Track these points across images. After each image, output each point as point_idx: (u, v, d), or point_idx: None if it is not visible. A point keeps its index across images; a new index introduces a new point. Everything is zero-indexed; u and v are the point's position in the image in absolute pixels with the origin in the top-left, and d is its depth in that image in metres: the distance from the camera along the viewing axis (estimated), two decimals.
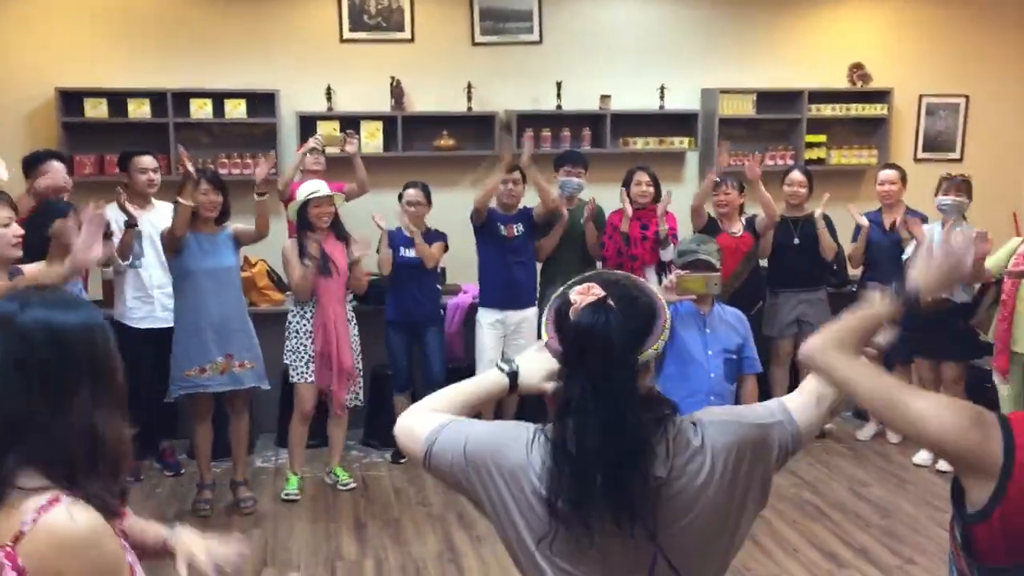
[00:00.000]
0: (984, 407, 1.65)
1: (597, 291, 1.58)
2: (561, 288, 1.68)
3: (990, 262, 5.07)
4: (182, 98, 6.02)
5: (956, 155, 6.96)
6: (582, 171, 5.62)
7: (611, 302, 1.56)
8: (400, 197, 5.48)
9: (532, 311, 5.51)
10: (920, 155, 6.94)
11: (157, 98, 6.00)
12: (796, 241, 5.81)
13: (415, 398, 5.55)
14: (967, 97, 6.94)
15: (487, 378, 1.77)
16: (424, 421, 1.71)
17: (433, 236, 5.46)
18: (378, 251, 5.37)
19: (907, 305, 1.71)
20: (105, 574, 1.39)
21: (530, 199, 5.60)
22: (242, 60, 6.17)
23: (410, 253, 5.35)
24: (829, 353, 1.70)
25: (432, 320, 5.54)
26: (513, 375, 1.72)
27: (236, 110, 6.11)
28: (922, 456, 5.59)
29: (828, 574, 4.31)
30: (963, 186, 5.40)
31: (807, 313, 5.87)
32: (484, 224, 5.43)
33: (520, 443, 1.62)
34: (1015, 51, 6.91)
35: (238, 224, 4.89)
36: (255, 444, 5.69)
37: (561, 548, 1.57)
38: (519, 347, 5.52)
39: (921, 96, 6.91)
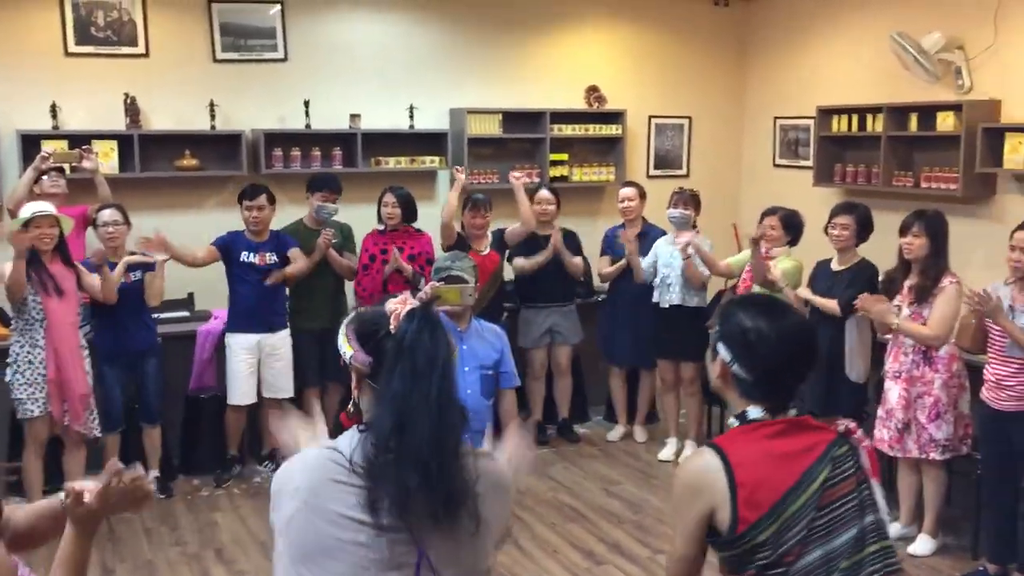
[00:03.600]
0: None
1: (413, 301, 1.77)
2: (353, 313, 1.86)
3: (732, 261, 5.57)
4: None
5: (683, 171, 7.54)
6: (337, 197, 5.61)
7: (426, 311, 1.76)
8: (94, 222, 5.15)
9: (285, 333, 5.46)
10: (652, 172, 7.46)
11: None
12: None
13: (128, 436, 5.26)
14: (690, 118, 7.54)
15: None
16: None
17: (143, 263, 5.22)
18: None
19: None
20: None
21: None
22: None
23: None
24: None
25: (151, 349, 5.24)
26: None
27: None
28: (666, 452, 6.00)
29: (587, 572, 4.52)
30: (691, 200, 5.86)
31: (559, 323, 6.15)
32: (228, 253, 5.33)
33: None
34: (727, 77, 7.60)
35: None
36: None
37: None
38: (277, 370, 5.43)
39: (651, 117, 7.43)
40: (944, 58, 5.74)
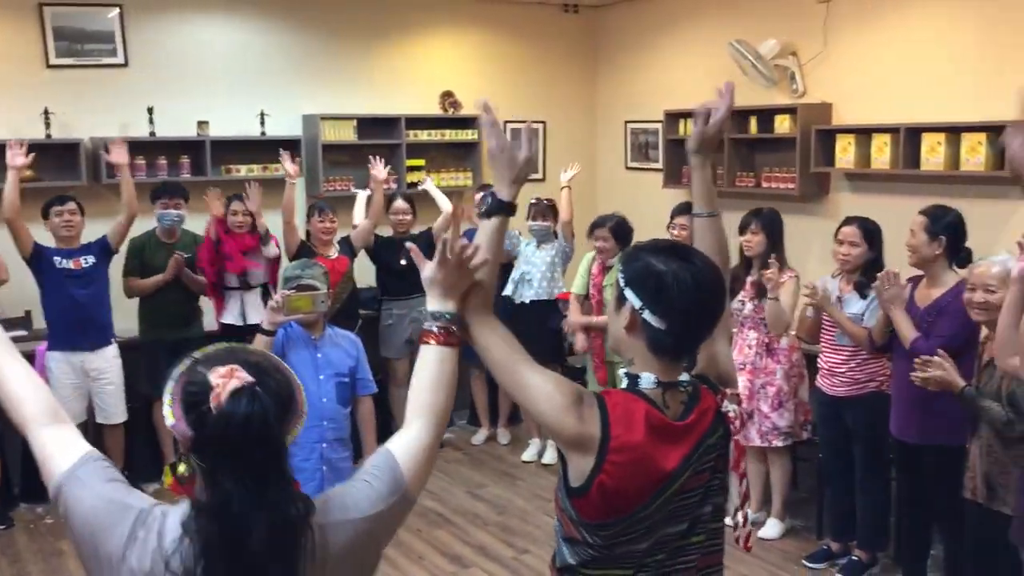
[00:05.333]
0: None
1: (242, 375, 1.47)
2: (187, 363, 1.53)
3: (576, 288, 5.65)
4: None
5: (540, 176, 7.64)
6: (181, 202, 5.45)
7: (259, 388, 1.46)
8: None
9: (111, 350, 5.25)
10: None
11: None
12: (404, 262, 6.07)
13: None
14: (544, 123, 7.66)
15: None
16: (66, 445, 1.58)
17: None
18: None
19: (499, 208, 1.85)
20: None
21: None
22: None
23: None
24: (477, 328, 1.82)
25: None
26: None
27: None
28: (529, 453, 6.07)
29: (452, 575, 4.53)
30: (548, 210, 5.96)
31: (420, 331, 6.16)
32: (39, 262, 5.05)
33: (122, 528, 1.47)
34: (579, 82, 7.76)
35: None
36: None
37: None
38: (108, 394, 5.22)
39: (506, 122, 7.50)
40: (780, 64, 6.03)
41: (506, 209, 1.85)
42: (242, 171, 6.35)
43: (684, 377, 1.84)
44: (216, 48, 6.42)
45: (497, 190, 1.87)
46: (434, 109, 7.15)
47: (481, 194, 6.20)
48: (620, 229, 5.37)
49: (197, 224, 5.68)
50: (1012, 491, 3.10)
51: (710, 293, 1.80)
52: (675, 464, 1.77)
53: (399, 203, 6.11)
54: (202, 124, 6.23)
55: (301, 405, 1.56)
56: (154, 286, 5.40)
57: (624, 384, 1.84)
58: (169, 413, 1.50)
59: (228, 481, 1.42)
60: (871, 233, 4.26)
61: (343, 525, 1.55)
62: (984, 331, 3.49)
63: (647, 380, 1.80)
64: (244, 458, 1.43)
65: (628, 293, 1.80)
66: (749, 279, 4.71)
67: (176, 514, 1.48)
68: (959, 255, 3.92)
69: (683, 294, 1.75)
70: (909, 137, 5.22)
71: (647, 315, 1.77)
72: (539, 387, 1.78)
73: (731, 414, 1.87)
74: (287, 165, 5.61)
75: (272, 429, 1.46)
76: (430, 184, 6.43)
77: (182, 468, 1.53)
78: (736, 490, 1.94)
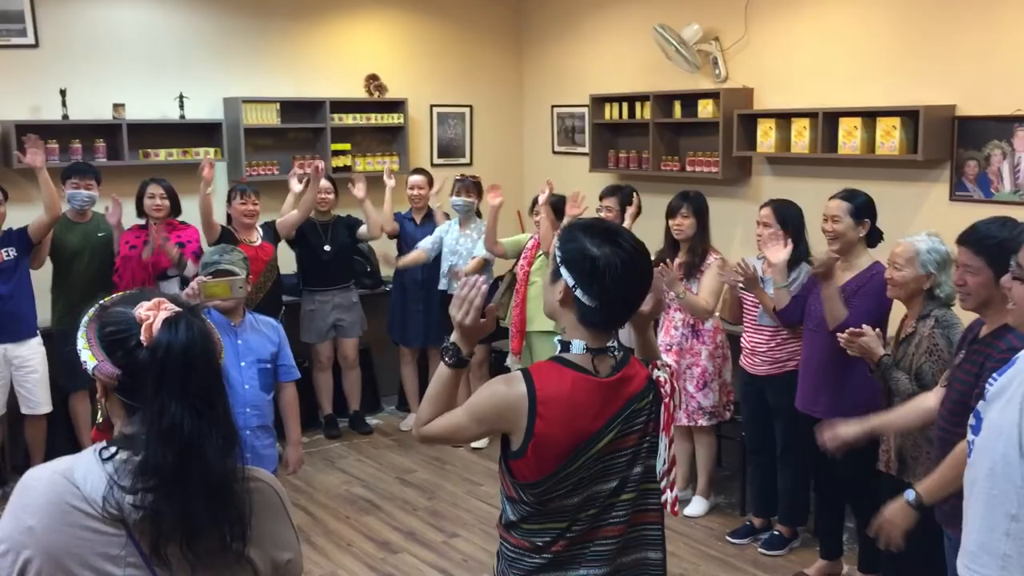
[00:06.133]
0: None
1: (170, 306, 1.50)
2: (94, 310, 1.55)
3: (505, 241, 5.69)
4: None
5: (466, 159, 7.63)
6: (92, 183, 5.30)
7: (190, 315, 1.51)
8: None
9: (35, 342, 5.10)
10: (436, 160, 7.49)
11: None
12: (328, 248, 6.01)
13: None
14: (471, 107, 7.64)
15: None
16: None
17: None
18: None
19: (459, 362, 2.05)
20: None
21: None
22: None
23: None
24: (426, 430, 2.07)
25: None
26: None
27: None
28: None
29: (382, 562, 4.51)
30: (472, 187, 5.97)
31: (342, 318, 6.11)
32: None
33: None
34: (505, 66, 7.74)
35: None
36: None
37: None
38: (32, 383, 5.06)
39: (432, 106, 7.46)
40: (703, 49, 6.10)
41: (466, 364, 2.07)
42: (160, 155, 6.19)
43: (613, 343, 2.03)
44: (132, 28, 6.23)
45: (461, 347, 2.05)
46: (359, 92, 7.06)
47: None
48: (560, 206, 5.38)
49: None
50: (922, 464, 3.20)
51: (638, 276, 2.00)
52: (602, 423, 1.96)
53: (322, 183, 6.04)
54: (118, 107, 6.05)
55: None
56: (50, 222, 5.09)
57: (557, 349, 2.04)
58: (89, 357, 1.50)
59: (174, 407, 1.43)
60: (784, 215, 4.34)
61: (263, 488, 1.59)
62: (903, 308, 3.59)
63: (578, 346, 2.00)
64: (188, 382, 1.45)
65: (563, 271, 1.99)
66: (677, 261, 4.77)
67: (80, 465, 1.46)
68: (873, 235, 4.03)
69: (613, 278, 1.93)
70: (827, 122, 5.33)
71: (579, 293, 1.97)
72: (469, 402, 2.05)
73: (662, 379, 2.05)
74: (205, 172, 5.28)
75: (212, 351, 1.51)
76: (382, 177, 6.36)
77: (99, 418, 1.55)
78: (665, 454, 2.09)
